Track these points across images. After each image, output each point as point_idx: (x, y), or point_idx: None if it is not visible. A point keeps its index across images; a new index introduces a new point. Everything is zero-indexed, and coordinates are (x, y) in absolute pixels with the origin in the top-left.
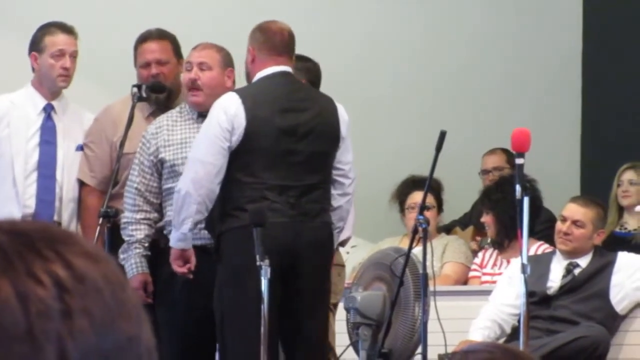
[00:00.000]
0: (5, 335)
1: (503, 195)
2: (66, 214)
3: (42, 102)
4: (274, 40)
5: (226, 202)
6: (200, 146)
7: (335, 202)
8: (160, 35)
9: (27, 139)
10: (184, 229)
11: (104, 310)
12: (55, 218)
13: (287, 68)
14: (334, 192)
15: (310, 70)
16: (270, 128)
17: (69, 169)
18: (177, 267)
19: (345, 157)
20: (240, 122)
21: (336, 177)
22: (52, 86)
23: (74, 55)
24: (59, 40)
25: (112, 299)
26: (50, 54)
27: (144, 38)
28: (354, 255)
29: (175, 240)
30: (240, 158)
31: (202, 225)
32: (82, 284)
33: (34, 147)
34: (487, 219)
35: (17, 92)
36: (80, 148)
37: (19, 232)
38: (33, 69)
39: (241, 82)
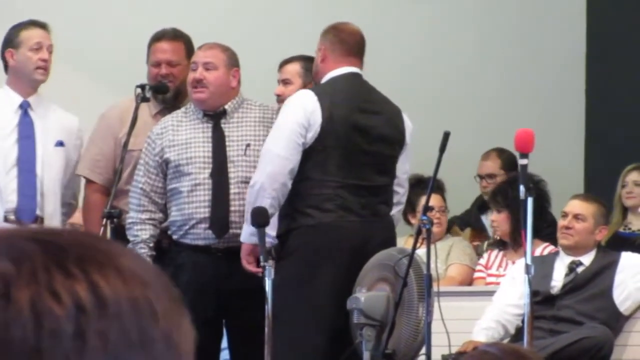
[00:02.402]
0: (13, 347)
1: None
2: (48, 208)
3: (18, 99)
4: (348, 41)
5: (298, 200)
6: (276, 141)
7: None
8: (175, 35)
9: (5, 137)
10: None
11: (122, 337)
12: (38, 212)
13: (358, 69)
14: None
15: None
16: (345, 127)
17: (49, 164)
18: (248, 264)
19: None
20: (317, 119)
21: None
22: (30, 80)
23: (50, 50)
24: (35, 34)
25: (133, 327)
26: (29, 48)
27: (158, 37)
28: None
29: (247, 234)
30: (314, 155)
31: (207, 225)
32: (102, 307)
33: (12, 143)
34: (498, 217)
35: None
36: (60, 144)
37: (54, 243)
38: (6, 69)
39: (247, 81)
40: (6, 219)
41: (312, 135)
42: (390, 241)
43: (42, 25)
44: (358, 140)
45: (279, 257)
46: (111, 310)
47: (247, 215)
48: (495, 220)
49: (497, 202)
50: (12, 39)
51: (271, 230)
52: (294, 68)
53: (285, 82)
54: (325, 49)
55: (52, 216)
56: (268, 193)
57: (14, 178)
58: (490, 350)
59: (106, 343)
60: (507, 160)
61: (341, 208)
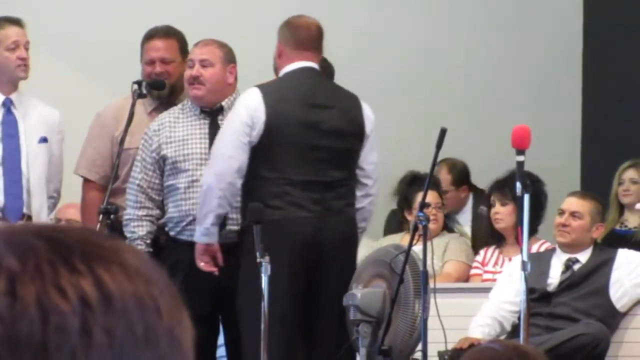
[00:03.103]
0: (19, 343)
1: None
2: (35, 205)
3: (0, 98)
4: (299, 35)
5: (249, 198)
6: (222, 141)
7: (358, 203)
8: (167, 33)
9: None
10: (207, 223)
11: (127, 332)
12: (25, 210)
13: (312, 64)
14: (357, 193)
15: (324, 70)
16: (292, 123)
17: (34, 161)
18: (202, 264)
19: (370, 157)
20: (260, 116)
21: (359, 178)
22: (12, 78)
23: (27, 47)
24: (11, 32)
25: (139, 323)
26: (6, 47)
27: (150, 35)
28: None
29: (199, 234)
30: (263, 153)
31: (212, 221)
32: (108, 303)
33: None
34: (502, 210)
35: None
36: (43, 140)
37: (58, 240)
38: None
39: (244, 77)
40: None
41: (257, 133)
42: (349, 237)
43: (17, 22)
44: (307, 135)
45: (238, 254)
46: (117, 306)
47: (199, 216)
48: (498, 213)
49: (503, 195)
50: None
51: (232, 226)
52: None
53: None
54: (280, 44)
55: (39, 213)
56: (215, 193)
57: (0, 177)
58: (491, 347)
59: (112, 339)
60: (459, 175)
61: (290, 204)
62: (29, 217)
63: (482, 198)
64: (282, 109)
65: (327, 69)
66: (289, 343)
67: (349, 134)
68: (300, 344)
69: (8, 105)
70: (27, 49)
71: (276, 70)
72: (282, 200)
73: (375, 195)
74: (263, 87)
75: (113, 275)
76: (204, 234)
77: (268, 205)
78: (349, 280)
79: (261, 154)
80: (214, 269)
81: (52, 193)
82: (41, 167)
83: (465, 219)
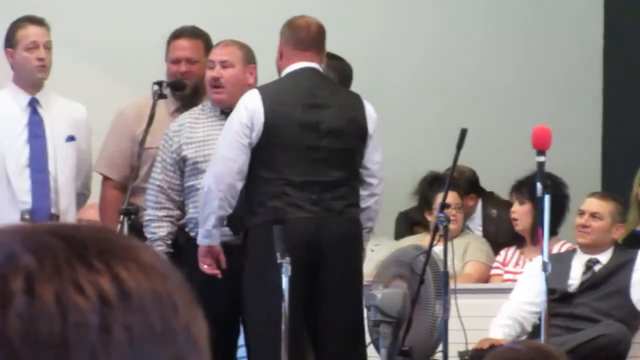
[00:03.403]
0: (40, 342)
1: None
2: (63, 205)
3: (25, 98)
4: (299, 35)
5: (250, 199)
6: (223, 143)
7: (363, 203)
8: (194, 33)
9: (15, 137)
10: (208, 225)
11: (146, 329)
12: (53, 210)
13: (313, 64)
14: (362, 192)
15: (340, 70)
16: (291, 123)
17: (61, 161)
18: (205, 266)
19: (374, 156)
20: (259, 117)
21: (364, 177)
22: (31, 79)
23: (47, 46)
24: (30, 32)
25: (157, 319)
26: (24, 47)
27: (177, 34)
28: (378, 253)
29: (201, 237)
30: (262, 154)
31: (213, 223)
32: (126, 300)
33: (23, 143)
34: (520, 209)
35: (0, 91)
36: (70, 139)
37: (75, 238)
38: (11, 67)
39: (264, 78)
40: (22, 220)
41: (256, 134)
42: (350, 238)
43: (39, 22)
44: (306, 136)
45: (244, 256)
46: (135, 302)
47: (200, 218)
48: (516, 212)
49: (522, 194)
50: (10, 38)
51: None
52: None
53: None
54: (281, 44)
55: (66, 212)
56: (215, 194)
57: (27, 178)
58: (515, 347)
59: (131, 335)
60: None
61: (289, 205)
62: (57, 217)
63: (491, 201)
64: (280, 110)
65: (343, 68)
66: (292, 345)
67: (349, 134)
68: (304, 347)
69: (34, 105)
70: (47, 49)
71: (279, 71)
72: (281, 201)
73: (381, 194)
74: (262, 89)
75: (130, 273)
76: (205, 236)
77: (267, 206)
78: (352, 282)
79: (261, 155)
80: (217, 272)
81: (81, 190)
82: (69, 166)
83: (474, 224)
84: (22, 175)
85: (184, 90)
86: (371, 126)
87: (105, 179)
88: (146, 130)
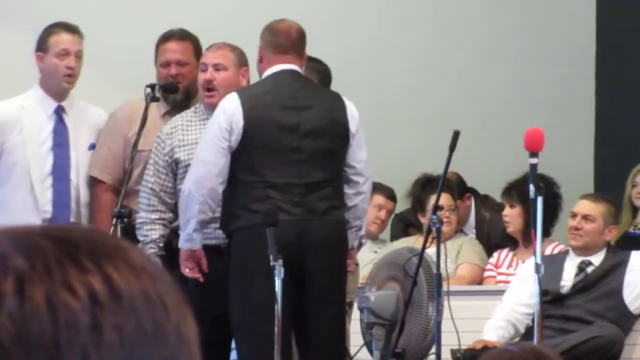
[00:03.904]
0: (31, 342)
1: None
2: (84, 213)
3: (52, 105)
4: (279, 38)
5: (232, 202)
6: (203, 146)
7: (350, 202)
8: (183, 35)
9: (40, 144)
10: (189, 229)
11: (137, 329)
12: (73, 220)
13: (293, 66)
14: (348, 191)
15: (320, 72)
16: (270, 125)
17: (83, 169)
18: (187, 270)
19: (358, 155)
20: (238, 120)
21: (350, 176)
22: (57, 86)
23: (78, 55)
24: (62, 39)
25: (148, 320)
26: (55, 54)
27: (166, 37)
28: (381, 254)
29: (182, 241)
30: (243, 157)
31: (217, 225)
32: (117, 300)
33: (47, 151)
34: (511, 212)
35: (25, 95)
36: (92, 147)
37: (66, 239)
38: (40, 70)
39: (255, 80)
40: None
41: (235, 137)
42: (334, 239)
43: (72, 30)
44: (286, 137)
45: (228, 259)
46: (126, 302)
47: (181, 222)
48: (507, 215)
49: (511, 197)
50: (42, 42)
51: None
52: None
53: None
54: (261, 48)
55: (84, 219)
56: (195, 198)
57: (49, 187)
58: (509, 349)
59: (122, 336)
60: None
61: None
62: None
63: (485, 204)
64: (260, 112)
65: (322, 70)
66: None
67: (331, 134)
68: (291, 351)
69: (60, 113)
70: (78, 57)
71: (260, 74)
72: (263, 204)
73: (367, 192)
74: (241, 92)
75: (121, 273)
76: (186, 240)
77: (249, 209)
78: (334, 285)
79: (241, 158)
80: (198, 275)
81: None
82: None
83: (468, 227)
84: (44, 183)
85: (176, 92)
86: (353, 125)
87: (98, 182)
88: (139, 133)
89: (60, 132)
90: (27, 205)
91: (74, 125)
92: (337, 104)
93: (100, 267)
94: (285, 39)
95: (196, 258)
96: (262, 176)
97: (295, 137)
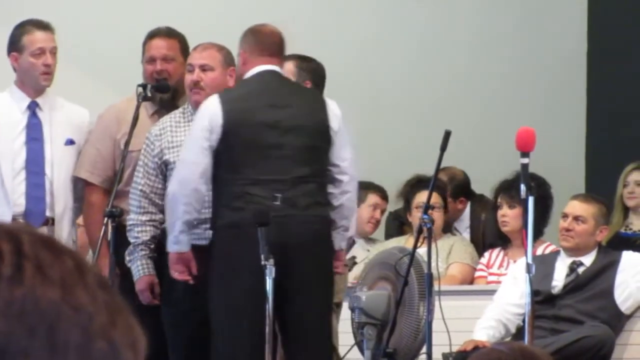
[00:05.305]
0: None
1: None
2: (59, 209)
3: (26, 101)
4: (265, 42)
5: (216, 201)
6: (185, 147)
7: (336, 201)
8: (169, 33)
9: (13, 139)
10: (175, 231)
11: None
12: (48, 214)
13: (273, 67)
14: (334, 190)
15: (313, 71)
16: (250, 123)
17: (59, 164)
18: (176, 273)
19: (342, 153)
20: (218, 120)
21: (335, 175)
22: (35, 85)
23: (53, 52)
24: (37, 38)
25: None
26: (30, 53)
27: (152, 34)
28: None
29: (170, 243)
30: (225, 156)
31: (208, 225)
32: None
33: (20, 145)
34: (510, 213)
35: (1, 94)
36: (70, 142)
37: None
38: (14, 69)
39: None
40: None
41: (216, 137)
42: (316, 233)
43: (45, 27)
44: (267, 135)
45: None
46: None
47: (167, 225)
48: (506, 216)
49: (511, 198)
50: (15, 42)
51: (197, 229)
52: (288, 67)
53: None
54: (244, 52)
55: (62, 216)
56: (179, 199)
57: (22, 181)
58: (498, 349)
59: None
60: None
61: (252, 204)
62: (52, 220)
63: (480, 204)
64: (239, 111)
65: (316, 69)
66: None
67: (312, 131)
68: (275, 350)
69: (33, 108)
70: (53, 54)
71: (239, 78)
72: (243, 201)
73: (353, 191)
74: (222, 93)
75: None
76: (174, 242)
77: (231, 207)
78: (320, 281)
79: (223, 157)
80: (188, 278)
81: (81, 193)
82: (67, 169)
83: (462, 226)
84: (17, 178)
85: (169, 92)
86: (334, 122)
87: (88, 184)
88: (130, 133)
89: (34, 127)
90: None
91: (49, 120)
92: (317, 102)
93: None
94: (270, 42)
95: (185, 261)
96: (243, 173)
97: (276, 134)
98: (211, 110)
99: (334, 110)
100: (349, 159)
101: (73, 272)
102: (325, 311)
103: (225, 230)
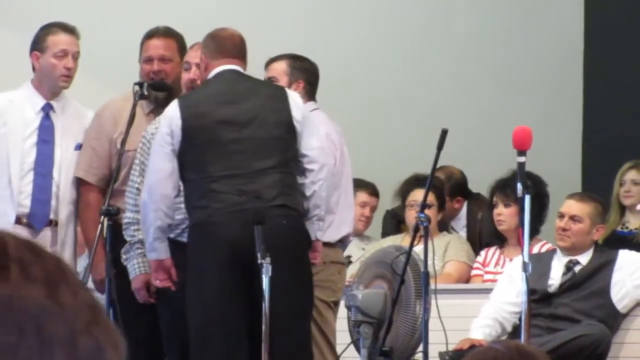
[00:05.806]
0: None
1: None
2: (63, 213)
3: (41, 102)
4: (225, 45)
5: (185, 202)
6: (151, 155)
7: (307, 191)
8: (167, 33)
9: (24, 138)
10: (150, 238)
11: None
12: (52, 217)
13: (235, 66)
14: (305, 180)
15: (306, 70)
16: (208, 122)
17: (67, 168)
18: (157, 280)
19: (309, 143)
20: (177, 123)
21: (305, 165)
22: (53, 86)
23: (75, 56)
24: (61, 40)
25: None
26: (53, 54)
27: (150, 34)
28: (369, 251)
29: (147, 252)
30: (188, 157)
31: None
32: None
33: (31, 146)
34: (505, 211)
35: (16, 91)
36: (79, 147)
37: None
38: (34, 69)
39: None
40: (19, 221)
41: (176, 140)
42: (283, 227)
43: (70, 30)
44: (225, 131)
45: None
46: None
47: (143, 234)
48: (502, 214)
49: (507, 196)
50: (39, 42)
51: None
52: (280, 66)
53: (271, 80)
54: (205, 57)
55: (67, 221)
56: (149, 206)
57: (30, 182)
58: (494, 347)
59: None
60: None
61: (215, 202)
62: (56, 223)
63: (477, 203)
64: (197, 112)
65: (309, 69)
66: (229, 348)
67: (273, 122)
68: (246, 350)
69: (47, 110)
70: (75, 59)
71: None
72: (207, 199)
73: (324, 179)
74: (182, 97)
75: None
76: (150, 250)
77: (197, 206)
78: (292, 273)
79: (187, 158)
80: (170, 285)
81: (77, 193)
82: (73, 174)
83: (459, 225)
84: (25, 178)
85: (165, 91)
86: (297, 113)
87: (84, 182)
88: (127, 131)
89: (46, 129)
90: (3, 198)
91: (62, 124)
92: (277, 93)
93: None
94: (231, 45)
95: (165, 268)
96: (207, 172)
97: (234, 129)
98: (170, 114)
99: (296, 101)
100: (317, 148)
101: (55, 272)
102: (298, 311)
103: (193, 230)
